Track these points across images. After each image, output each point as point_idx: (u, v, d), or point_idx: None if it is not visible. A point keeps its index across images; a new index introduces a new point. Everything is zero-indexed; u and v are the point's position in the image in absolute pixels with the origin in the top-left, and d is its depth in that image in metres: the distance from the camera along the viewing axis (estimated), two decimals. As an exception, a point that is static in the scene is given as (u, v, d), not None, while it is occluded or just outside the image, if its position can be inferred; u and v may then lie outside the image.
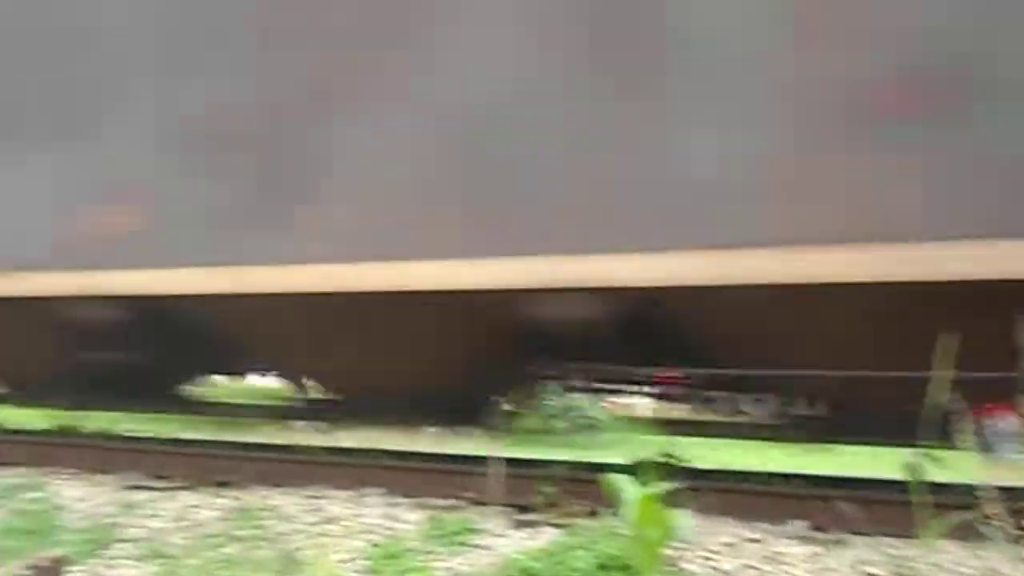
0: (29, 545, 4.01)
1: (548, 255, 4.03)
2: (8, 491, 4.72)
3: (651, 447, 5.07)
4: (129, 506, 4.43)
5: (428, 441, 5.19)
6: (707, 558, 3.48)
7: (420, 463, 4.97)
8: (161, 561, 3.80)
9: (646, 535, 3.09)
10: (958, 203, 3.50)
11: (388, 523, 4.15)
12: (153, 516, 4.29)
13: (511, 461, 4.50)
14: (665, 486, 3.12)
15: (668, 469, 4.21)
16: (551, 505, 4.24)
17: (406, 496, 4.54)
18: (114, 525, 4.17)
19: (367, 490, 4.63)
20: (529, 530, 3.97)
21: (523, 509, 4.27)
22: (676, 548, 3.39)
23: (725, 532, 3.73)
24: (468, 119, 4.44)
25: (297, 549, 3.75)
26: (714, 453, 5.69)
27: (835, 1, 3.74)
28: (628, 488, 3.12)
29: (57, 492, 4.73)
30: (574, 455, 4.82)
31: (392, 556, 3.77)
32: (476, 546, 3.86)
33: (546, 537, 3.82)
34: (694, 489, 3.41)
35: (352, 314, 4.77)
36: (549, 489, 4.31)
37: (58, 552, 3.38)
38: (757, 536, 3.68)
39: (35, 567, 3.19)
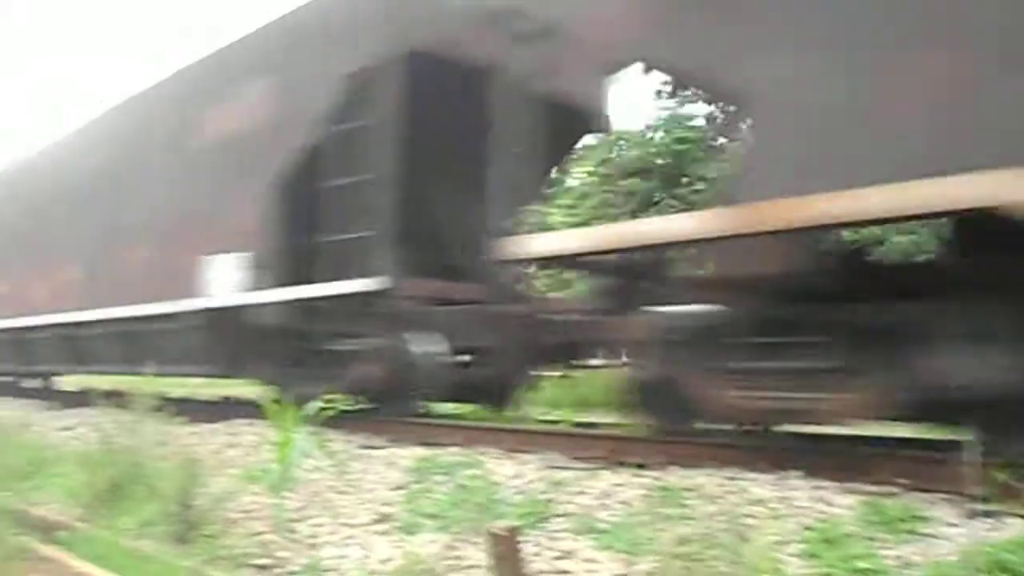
0: (475, 516, 4.40)
1: None
2: (451, 468, 5.23)
3: None
4: (557, 484, 4.68)
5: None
6: None
7: (842, 446, 4.68)
8: (596, 536, 3.96)
9: None
10: None
11: (818, 507, 3.94)
12: (581, 494, 4.49)
13: (951, 444, 4.04)
14: None
15: None
16: (1010, 494, 3.72)
17: (832, 480, 4.27)
18: (548, 501, 4.42)
19: (788, 473, 4.44)
20: (990, 520, 3.53)
21: (973, 498, 3.80)
22: None
23: None
24: None
25: (728, 529, 3.68)
26: None
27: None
28: None
29: (491, 470, 5.14)
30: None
31: (830, 541, 3.57)
32: (926, 535, 3.51)
33: (1015, 529, 3.36)
34: None
35: None
36: (1002, 475, 3.80)
37: (510, 523, 3.64)
38: None
39: (493, 535, 3.47)
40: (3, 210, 13.57)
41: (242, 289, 7.72)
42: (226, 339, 8.21)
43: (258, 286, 7.56)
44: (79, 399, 10.76)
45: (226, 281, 7.89)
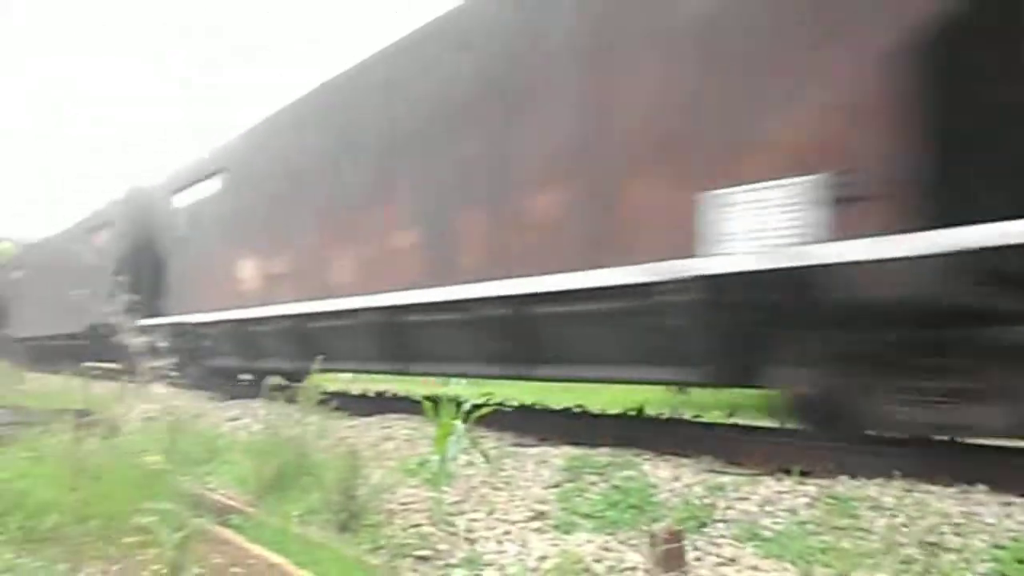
0: (632, 518, 4.32)
1: None
2: (604, 469, 5.17)
3: None
4: (717, 488, 4.53)
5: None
6: None
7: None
8: (759, 543, 3.80)
9: None
10: None
11: (1007, 523, 3.64)
12: (742, 500, 4.33)
13: None
14: None
15: None
16: None
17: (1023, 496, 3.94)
18: (708, 506, 4.29)
19: (973, 486, 4.13)
20: None
21: None
22: None
23: None
24: None
25: (908, 544, 3.45)
26: None
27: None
28: None
29: (646, 472, 5.04)
30: None
31: (1025, 562, 3.28)
32: None
33: None
34: None
35: None
36: None
37: (674, 525, 3.54)
38: None
39: (656, 536, 3.39)
40: (280, 165, 10.47)
41: (797, 239, 4.54)
42: (741, 325, 5.08)
43: (838, 232, 4.36)
44: (241, 391, 11.38)
45: (757, 229, 4.74)
